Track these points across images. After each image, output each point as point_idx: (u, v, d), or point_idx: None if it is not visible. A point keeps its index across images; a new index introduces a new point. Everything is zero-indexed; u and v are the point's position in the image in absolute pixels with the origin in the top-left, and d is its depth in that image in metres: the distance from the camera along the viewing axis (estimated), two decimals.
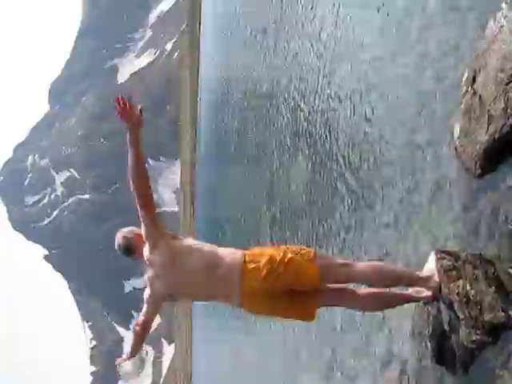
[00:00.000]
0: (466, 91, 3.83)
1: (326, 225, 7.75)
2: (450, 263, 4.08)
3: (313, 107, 9.09)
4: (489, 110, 3.54)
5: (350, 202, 6.69)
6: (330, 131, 7.94)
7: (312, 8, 9.76)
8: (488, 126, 3.54)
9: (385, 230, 5.34)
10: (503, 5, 3.80)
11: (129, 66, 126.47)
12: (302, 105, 9.87)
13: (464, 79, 3.93)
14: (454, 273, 4.01)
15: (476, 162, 3.74)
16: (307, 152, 9.14)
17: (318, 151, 8.51)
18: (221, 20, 31.04)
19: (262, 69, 14.91)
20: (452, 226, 4.12)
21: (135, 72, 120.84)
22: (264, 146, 13.68)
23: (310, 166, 8.95)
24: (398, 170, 5.09)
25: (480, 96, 3.66)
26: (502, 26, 3.72)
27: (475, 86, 3.76)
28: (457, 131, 3.95)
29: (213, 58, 35.03)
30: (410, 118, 4.99)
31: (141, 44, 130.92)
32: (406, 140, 5.04)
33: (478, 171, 3.76)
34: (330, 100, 8.09)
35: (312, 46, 9.41)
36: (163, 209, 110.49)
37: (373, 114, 6.00)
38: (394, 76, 5.45)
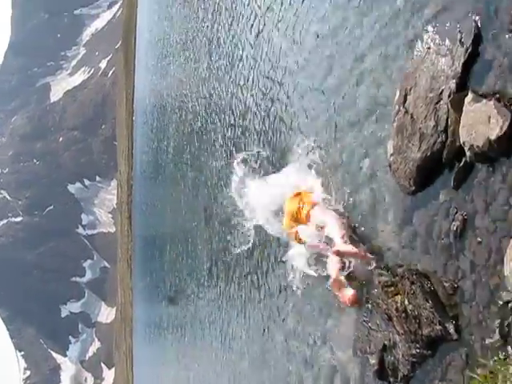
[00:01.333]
0: (398, 110, 3.93)
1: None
2: (387, 279, 4.16)
3: (247, 127, 9.13)
4: (420, 128, 3.65)
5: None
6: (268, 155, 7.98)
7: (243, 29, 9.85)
8: (420, 143, 3.64)
9: None
10: (429, 27, 3.95)
11: (62, 84, 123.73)
12: (237, 122, 9.91)
13: (396, 98, 4.03)
14: (392, 288, 4.08)
15: (410, 179, 3.83)
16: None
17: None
18: (156, 37, 30.90)
19: (196, 86, 14.92)
20: (388, 241, 4.20)
21: (69, 90, 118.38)
22: (199, 164, 13.65)
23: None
24: (336, 188, 5.16)
25: (411, 115, 3.77)
26: (428, 48, 3.86)
27: (406, 105, 3.87)
28: (390, 149, 4.04)
29: (148, 76, 34.76)
30: (344, 137, 5.07)
31: (74, 62, 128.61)
32: (341, 158, 5.11)
33: (412, 188, 3.86)
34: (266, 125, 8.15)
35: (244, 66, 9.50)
36: (100, 230, 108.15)
37: (307, 132, 6.07)
38: (327, 94, 5.54)
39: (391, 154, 4.01)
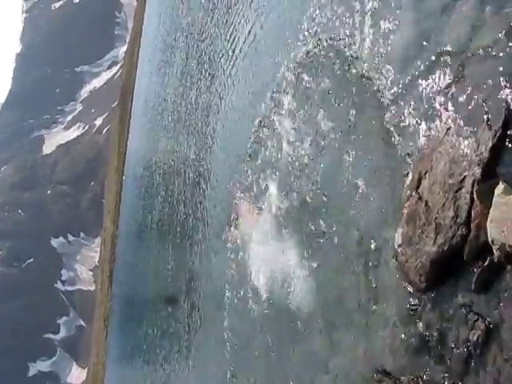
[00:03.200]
0: (410, 195, 3.48)
1: None
2: None
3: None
4: (436, 218, 3.19)
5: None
6: None
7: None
8: (436, 235, 3.17)
9: (325, 349, 4.85)
10: (449, 105, 3.57)
11: (56, 138, 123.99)
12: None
13: (408, 182, 3.59)
14: None
15: (421, 275, 3.34)
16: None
17: None
18: (152, 103, 31.09)
19: (186, 151, 14.73)
20: (390, 343, 3.66)
21: (62, 144, 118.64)
22: (185, 228, 13.30)
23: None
24: (337, 284, 4.66)
25: (426, 202, 3.32)
26: (448, 128, 3.46)
27: (420, 190, 3.43)
28: (398, 239, 3.56)
29: (141, 140, 34.73)
30: (351, 223, 4.62)
31: (70, 117, 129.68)
32: (344, 249, 4.64)
33: (423, 284, 3.36)
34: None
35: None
36: (79, 287, 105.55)
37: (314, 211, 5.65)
38: (334, 176, 5.16)
39: (399, 245, 3.52)
